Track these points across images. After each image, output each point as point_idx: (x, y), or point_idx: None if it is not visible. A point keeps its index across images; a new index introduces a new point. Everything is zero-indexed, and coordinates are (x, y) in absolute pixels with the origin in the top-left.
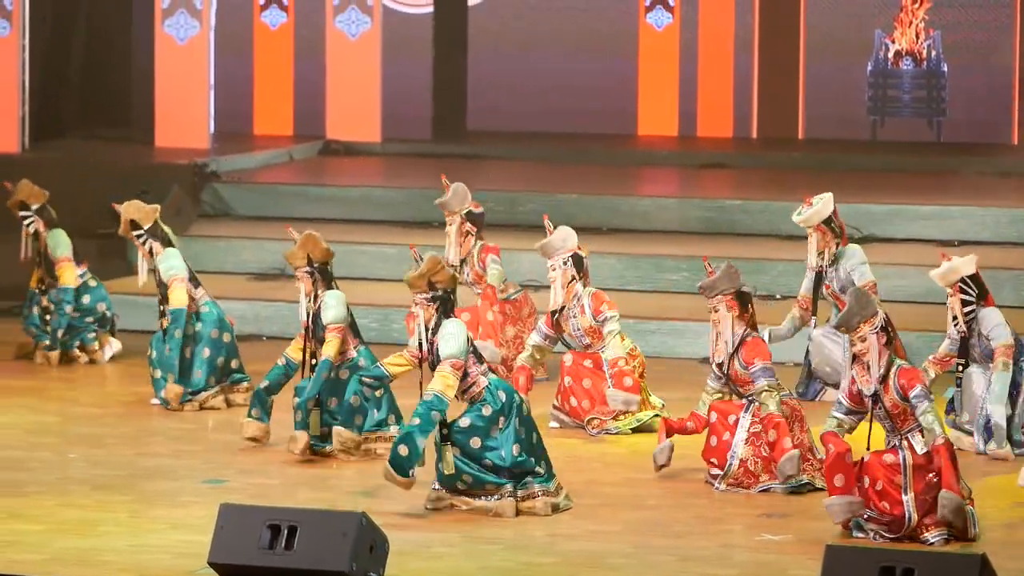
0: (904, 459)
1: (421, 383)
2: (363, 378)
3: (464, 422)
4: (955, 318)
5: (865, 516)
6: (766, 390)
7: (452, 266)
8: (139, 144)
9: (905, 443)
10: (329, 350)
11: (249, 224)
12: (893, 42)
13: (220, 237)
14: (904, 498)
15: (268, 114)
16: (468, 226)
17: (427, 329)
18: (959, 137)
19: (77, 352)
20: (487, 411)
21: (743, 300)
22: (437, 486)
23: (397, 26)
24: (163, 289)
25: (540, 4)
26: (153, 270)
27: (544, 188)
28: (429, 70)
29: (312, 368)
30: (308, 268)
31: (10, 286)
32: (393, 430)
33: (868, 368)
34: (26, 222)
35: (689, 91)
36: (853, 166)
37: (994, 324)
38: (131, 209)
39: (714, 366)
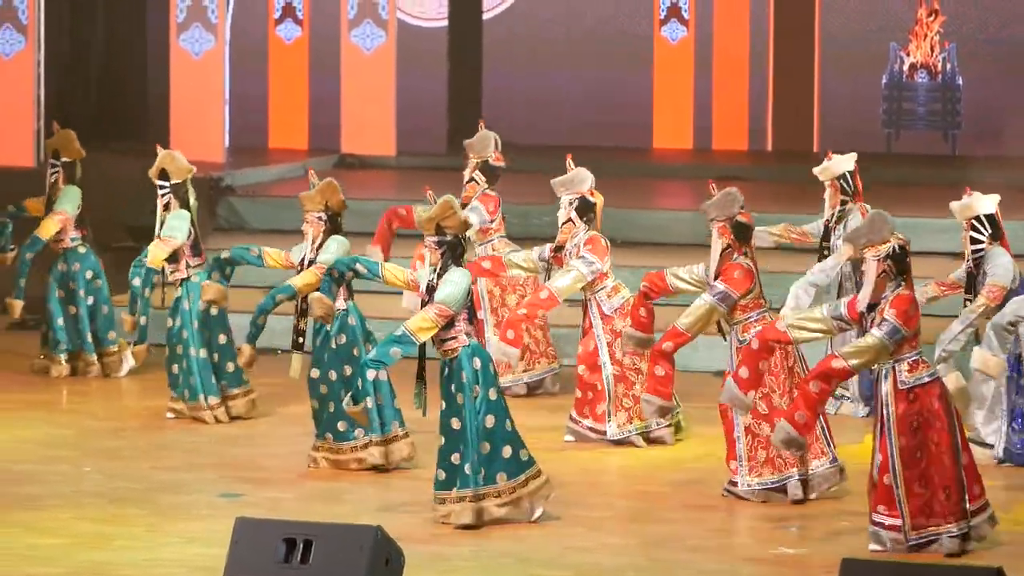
0: (887, 415)
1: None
2: (358, 262)
3: (454, 400)
4: (966, 256)
5: (887, 524)
6: (701, 304)
7: None
8: (154, 158)
9: (889, 380)
10: (298, 280)
11: (264, 238)
12: (908, 55)
13: None
14: (889, 470)
15: (283, 128)
16: (477, 174)
17: (433, 272)
18: (974, 150)
19: (92, 358)
20: (464, 378)
21: (739, 230)
22: (440, 495)
23: (412, 40)
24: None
25: (555, 17)
26: (161, 223)
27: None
28: (444, 83)
29: (300, 314)
30: (321, 214)
31: (34, 300)
32: (400, 431)
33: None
34: (51, 171)
35: (704, 104)
36: (868, 179)
37: (998, 264)
38: (168, 159)
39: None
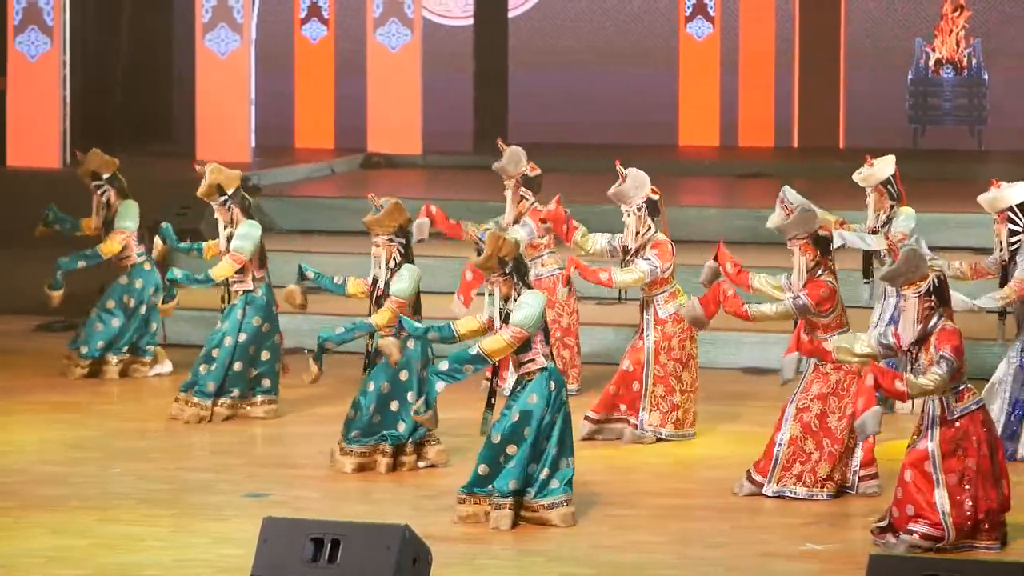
0: (932, 450)
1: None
2: (430, 331)
3: (516, 417)
4: (1000, 246)
5: (908, 529)
6: (782, 307)
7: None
8: (181, 158)
9: (938, 410)
10: (379, 318)
11: (291, 238)
12: (933, 50)
13: None
14: (936, 496)
15: (309, 127)
16: (524, 190)
17: (505, 301)
18: (1001, 145)
19: (112, 359)
20: (533, 400)
21: (821, 244)
22: (465, 493)
23: (438, 38)
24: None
25: (580, 14)
26: (228, 237)
27: (586, 199)
28: (470, 82)
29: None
30: (392, 236)
31: (66, 301)
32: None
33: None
34: (100, 191)
35: (730, 101)
36: None
37: None
38: (217, 173)
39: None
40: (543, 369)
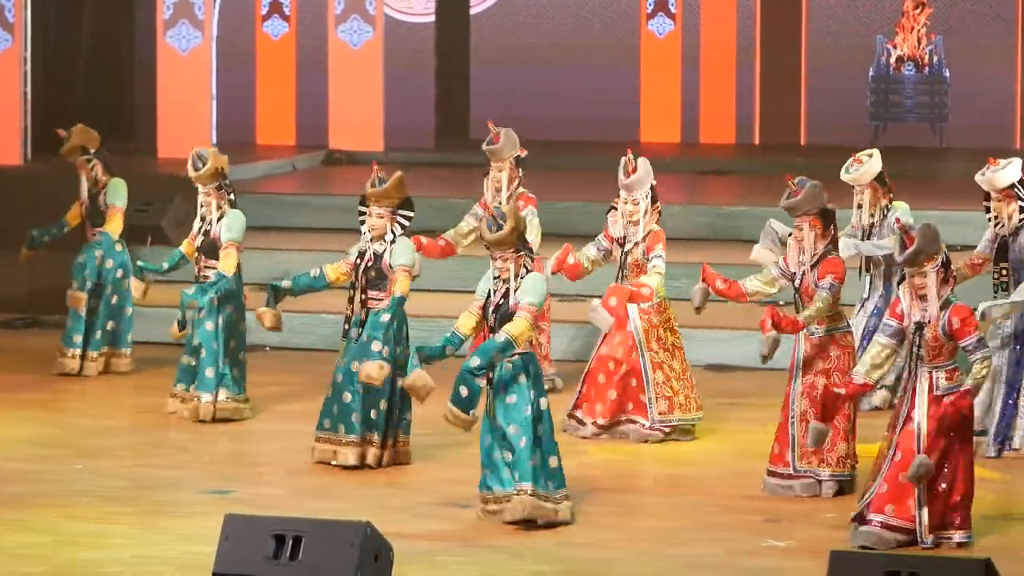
0: (918, 425)
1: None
2: (447, 349)
3: (511, 399)
4: (998, 221)
5: (891, 525)
6: (819, 305)
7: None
8: (142, 155)
9: (925, 386)
10: (401, 288)
11: (252, 234)
12: (895, 47)
13: None
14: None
15: (270, 124)
16: (519, 171)
17: (515, 278)
18: (962, 142)
19: (94, 354)
20: (522, 380)
21: (826, 219)
22: (488, 492)
23: (399, 35)
24: (210, 244)
25: (542, 11)
26: (218, 220)
27: (548, 196)
28: (431, 79)
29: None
30: (394, 210)
31: (21, 300)
32: (402, 437)
33: (924, 300)
34: (89, 164)
35: (691, 98)
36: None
37: None
38: (216, 158)
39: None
40: (523, 353)
